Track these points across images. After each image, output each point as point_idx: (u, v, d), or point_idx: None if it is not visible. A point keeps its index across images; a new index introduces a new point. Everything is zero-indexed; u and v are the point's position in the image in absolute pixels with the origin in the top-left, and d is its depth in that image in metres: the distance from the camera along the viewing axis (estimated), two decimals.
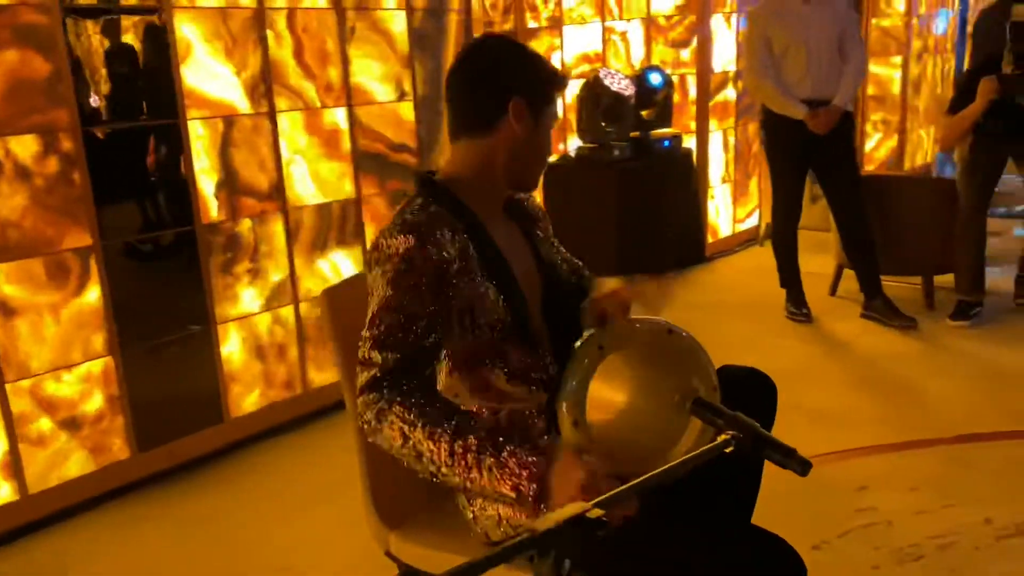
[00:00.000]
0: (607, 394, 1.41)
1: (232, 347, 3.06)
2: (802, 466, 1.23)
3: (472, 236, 1.41)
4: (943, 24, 7.54)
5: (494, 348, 1.43)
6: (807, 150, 3.93)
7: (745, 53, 4.23)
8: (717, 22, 5.33)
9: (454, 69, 1.46)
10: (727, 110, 5.49)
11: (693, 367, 1.45)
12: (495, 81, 1.43)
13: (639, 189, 4.66)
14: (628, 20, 5.41)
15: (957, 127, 3.87)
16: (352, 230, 3.39)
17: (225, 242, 3.00)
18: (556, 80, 1.46)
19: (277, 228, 3.15)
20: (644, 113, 4.85)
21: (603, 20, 5.54)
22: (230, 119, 2.96)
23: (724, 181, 5.56)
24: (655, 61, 5.28)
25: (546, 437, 1.41)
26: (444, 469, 1.26)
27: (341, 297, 1.61)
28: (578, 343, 1.53)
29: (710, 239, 5.45)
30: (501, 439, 1.26)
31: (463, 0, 3.66)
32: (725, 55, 5.46)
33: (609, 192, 4.57)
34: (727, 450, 1.11)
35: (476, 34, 4.07)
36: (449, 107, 1.47)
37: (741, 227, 5.73)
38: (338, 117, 3.29)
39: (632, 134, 4.78)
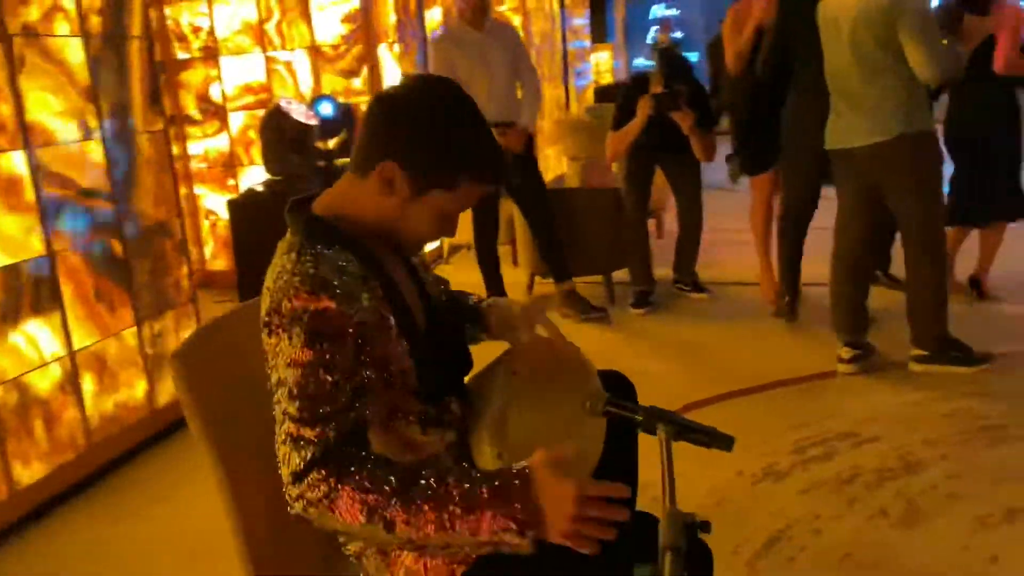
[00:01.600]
0: (524, 417, 1.40)
1: None
2: (726, 443, 1.35)
3: (383, 285, 1.32)
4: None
5: (405, 399, 1.35)
6: None
7: None
8: (383, 51, 5.44)
9: (383, 96, 1.33)
10: None
11: (586, 374, 1.51)
12: (379, 132, 1.31)
13: None
14: (292, 50, 5.29)
15: (621, 141, 4.41)
16: (47, 294, 2.88)
17: None
18: (467, 171, 1.31)
19: None
20: (330, 143, 4.80)
21: (264, 50, 5.36)
22: None
23: None
24: (326, 90, 5.23)
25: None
26: (425, 531, 1.14)
27: (198, 358, 1.39)
28: (485, 372, 1.51)
29: None
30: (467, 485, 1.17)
31: (143, 27, 3.31)
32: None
33: None
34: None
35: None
36: (369, 141, 1.32)
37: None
38: (15, 161, 2.78)
39: (319, 164, 4.70)
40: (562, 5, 9.84)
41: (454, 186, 1.31)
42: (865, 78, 3.23)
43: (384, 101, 1.33)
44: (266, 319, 1.24)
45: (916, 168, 3.26)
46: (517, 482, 1.14)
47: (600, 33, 11.65)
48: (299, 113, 4.57)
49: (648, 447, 1.40)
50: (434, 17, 6.15)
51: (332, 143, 4.81)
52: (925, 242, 3.34)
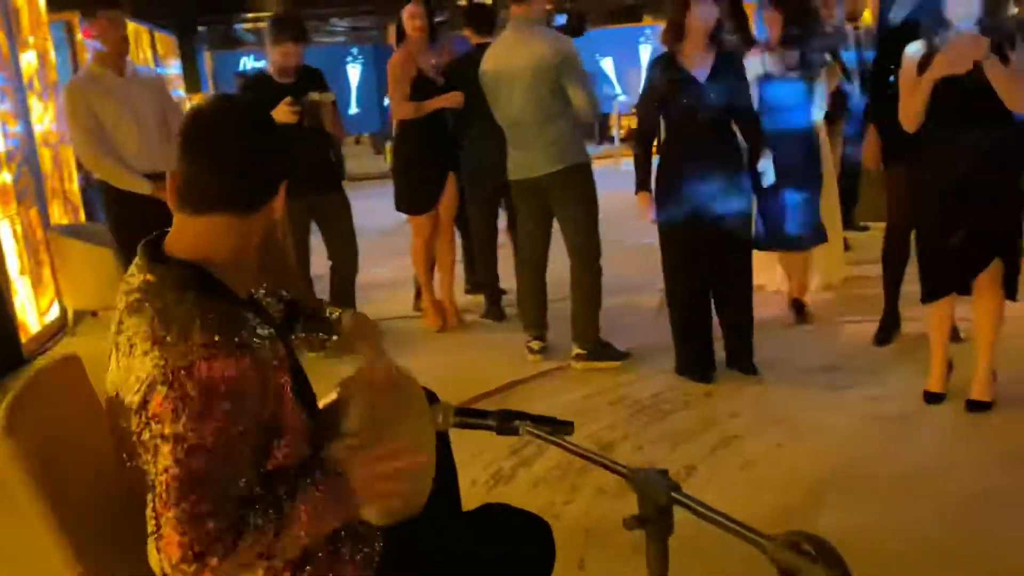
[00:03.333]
0: (372, 436, 1.46)
1: None
2: (568, 427, 1.58)
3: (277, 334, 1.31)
4: None
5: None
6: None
7: (71, 129, 3.96)
8: None
9: (219, 133, 1.28)
10: (6, 195, 4.93)
11: (418, 392, 1.63)
12: (270, 159, 1.33)
13: None
14: None
15: None
16: None
17: None
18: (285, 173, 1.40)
19: None
20: None
21: None
22: None
23: (23, 273, 4.98)
24: None
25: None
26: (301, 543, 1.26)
27: (31, 421, 1.21)
28: (335, 398, 1.54)
29: (23, 338, 4.84)
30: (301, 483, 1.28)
31: None
32: None
33: None
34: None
35: None
36: (203, 174, 1.28)
37: (48, 318, 5.24)
38: None
39: None
40: (155, 52, 9.39)
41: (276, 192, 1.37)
42: (541, 121, 3.85)
43: (241, 128, 1.35)
44: (138, 392, 1.18)
45: (581, 191, 3.92)
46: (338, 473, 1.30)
47: (194, 83, 11.29)
48: None
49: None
50: (29, 61, 5.51)
51: None
52: (585, 254, 3.94)
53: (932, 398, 3.38)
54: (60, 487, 1.28)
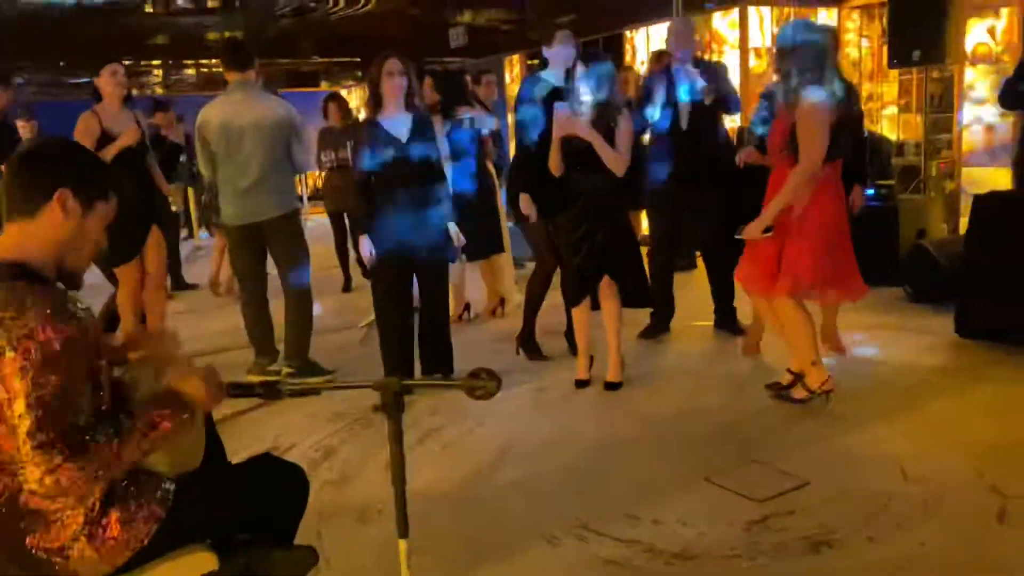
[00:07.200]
0: None
1: None
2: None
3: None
4: None
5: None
6: None
7: None
8: None
9: (25, 154, 1.76)
10: None
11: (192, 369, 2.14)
12: (41, 173, 1.76)
13: None
14: None
15: None
16: None
17: None
18: (108, 177, 1.86)
19: None
20: None
21: None
22: None
23: None
24: None
25: None
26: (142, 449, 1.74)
27: None
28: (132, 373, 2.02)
29: None
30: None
31: None
32: None
33: None
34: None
35: None
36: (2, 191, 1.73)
37: None
38: None
39: None
40: None
41: (105, 196, 1.85)
42: (267, 170, 4.48)
43: (31, 155, 1.83)
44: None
45: (297, 234, 4.68)
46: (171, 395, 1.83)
47: None
48: None
49: None
50: None
51: None
52: (299, 289, 4.61)
53: (581, 384, 4.41)
54: None
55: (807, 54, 3.71)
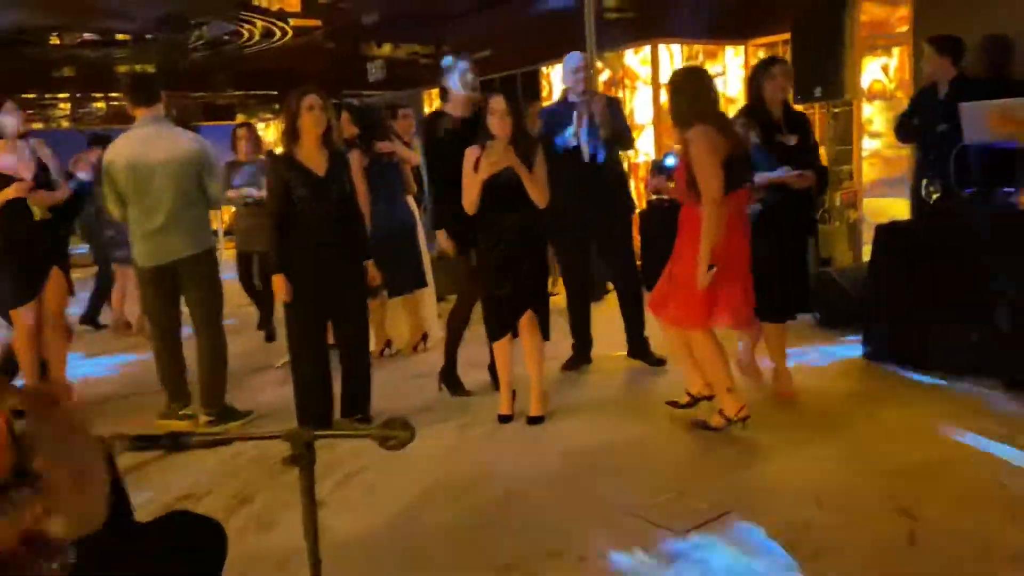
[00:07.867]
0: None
1: None
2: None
3: None
4: None
5: None
6: None
7: None
8: None
9: None
10: None
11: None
12: None
13: None
14: None
15: None
16: None
17: None
18: None
19: None
20: None
21: None
22: None
23: None
24: None
25: None
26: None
27: None
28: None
29: None
30: None
31: None
32: None
33: None
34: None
35: None
36: None
37: None
38: None
39: None
40: None
41: None
42: (179, 208, 4.37)
43: None
44: None
45: (211, 273, 4.56)
46: None
47: None
48: None
49: None
50: None
51: None
52: (214, 329, 4.52)
53: (504, 419, 4.40)
54: None
55: (686, 94, 3.96)
